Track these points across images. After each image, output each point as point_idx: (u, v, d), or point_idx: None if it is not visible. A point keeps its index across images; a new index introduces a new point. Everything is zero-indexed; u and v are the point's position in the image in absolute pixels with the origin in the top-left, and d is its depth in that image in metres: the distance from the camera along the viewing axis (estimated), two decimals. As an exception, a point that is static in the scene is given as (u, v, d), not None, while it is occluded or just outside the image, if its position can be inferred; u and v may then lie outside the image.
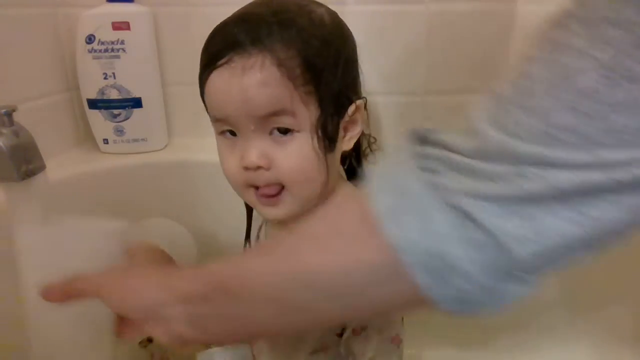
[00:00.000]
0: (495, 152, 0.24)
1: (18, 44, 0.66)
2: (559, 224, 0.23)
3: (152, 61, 0.75)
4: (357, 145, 0.51)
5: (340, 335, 0.48)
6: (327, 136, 0.44)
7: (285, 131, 0.43)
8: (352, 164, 0.56)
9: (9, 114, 0.46)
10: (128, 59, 0.72)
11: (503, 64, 0.68)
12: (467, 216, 0.25)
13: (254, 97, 0.41)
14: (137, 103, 0.75)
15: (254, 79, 0.40)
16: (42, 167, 0.49)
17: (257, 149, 0.43)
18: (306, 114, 0.43)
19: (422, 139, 0.30)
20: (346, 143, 0.48)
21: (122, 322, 0.39)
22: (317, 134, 0.43)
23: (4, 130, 0.45)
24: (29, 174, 0.47)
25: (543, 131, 0.22)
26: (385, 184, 0.28)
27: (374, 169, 0.30)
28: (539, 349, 0.75)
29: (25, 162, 0.46)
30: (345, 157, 0.52)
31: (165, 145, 0.80)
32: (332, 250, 0.28)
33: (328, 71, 0.43)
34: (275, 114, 0.42)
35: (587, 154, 0.22)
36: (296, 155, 0.43)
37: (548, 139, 0.22)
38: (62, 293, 0.37)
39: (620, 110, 0.21)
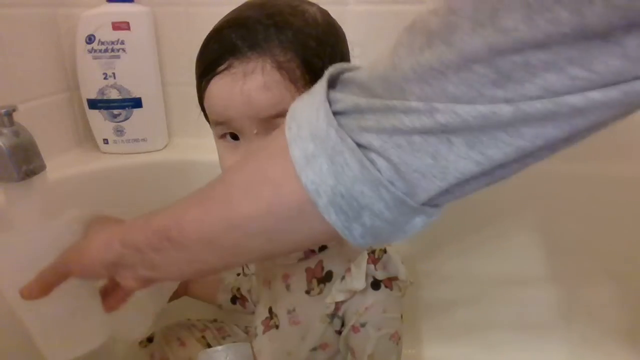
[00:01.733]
0: (410, 89, 0.25)
1: (18, 44, 0.66)
2: (462, 163, 0.25)
3: (152, 61, 0.75)
4: None
5: (340, 332, 0.48)
6: None
7: None
8: None
9: (9, 114, 0.46)
10: (128, 59, 0.72)
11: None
12: (377, 154, 0.27)
13: (256, 101, 0.41)
14: (137, 103, 0.75)
15: (256, 84, 0.41)
16: (42, 167, 0.49)
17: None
18: None
19: (336, 79, 0.31)
20: None
21: (105, 295, 0.44)
22: None
23: (4, 130, 0.45)
24: (29, 174, 0.47)
25: (461, 66, 0.23)
26: (300, 129, 0.29)
27: (291, 112, 0.31)
28: (539, 349, 0.75)
29: (25, 162, 0.46)
30: None
31: (165, 145, 0.80)
32: (257, 195, 0.31)
33: (326, 69, 0.43)
34: (278, 115, 0.42)
35: (500, 90, 0.22)
36: None
37: (465, 73, 0.23)
38: (40, 286, 0.40)
39: (536, 47, 0.21)
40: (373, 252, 0.44)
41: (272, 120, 0.42)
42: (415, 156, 0.26)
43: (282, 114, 0.42)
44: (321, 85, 0.30)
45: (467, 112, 0.23)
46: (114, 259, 0.37)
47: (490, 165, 0.25)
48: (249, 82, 0.41)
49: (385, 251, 0.44)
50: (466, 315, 0.78)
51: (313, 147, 0.28)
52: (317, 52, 0.43)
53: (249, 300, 0.65)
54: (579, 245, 0.70)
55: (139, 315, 0.53)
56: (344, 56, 0.47)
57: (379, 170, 0.27)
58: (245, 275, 0.67)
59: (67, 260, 0.40)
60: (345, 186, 0.27)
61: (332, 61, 0.44)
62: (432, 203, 0.28)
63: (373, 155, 0.27)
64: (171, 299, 0.63)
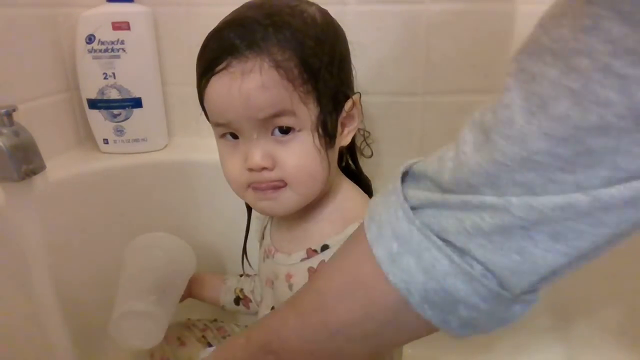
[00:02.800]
0: (480, 183, 0.26)
1: (18, 44, 0.66)
2: (550, 257, 0.25)
3: (152, 61, 0.75)
4: (352, 141, 0.51)
5: None
6: (327, 133, 0.45)
7: (286, 130, 0.43)
8: (347, 160, 0.56)
9: (9, 114, 0.46)
10: (128, 59, 0.72)
11: (503, 64, 0.68)
12: (462, 252, 0.27)
13: (255, 100, 0.41)
14: (137, 103, 0.75)
15: (254, 83, 0.41)
16: (42, 167, 0.49)
17: (261, 150, 0.43)
18: (306, 113, 0.43)
19: (410, 175, 0.32)
20: (344, 138, 0.48)
21: None
22: (317, 131, 0.44)
23: (4, 130, 0.45)
24: (29, 174, 0.47)
25: (524, 157, 0.24)
26: (381, 229, 0.30)
27: (369, 214, 0.32)
28: (539, 350, 0.75)
29: (25, 162, 0.46)
30: (341, 154, 0.52)
31: (165, 145, 0.80)
32: (351, 301, 0.31)
33: (325, 69, 0.44)
34: (277, 114, 0.42)
35: (569, 175, 0.23)
36: (299, 153, 0.44)
37: (529, 164, 0.24)
38: None
39: (594, 132, 0.22)
40: None
41: (271, 121, 0.43)
42: (501, 254, 0.26)
43: (280, 114, 0.42)
44: (395, 184, 0.31)
45: (543, 204, 0.24)
46: None
47: (579, 254, 0.25)
48: (247, 82, 0.41)
49: None
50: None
51: (397, 246, 0.28)
52: (315, 51, 0.43)
53: (252, 300, 0.65)
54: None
55: (154, 326, 0.54)
56: (343, 55, 0.47)
57: (469, 265, 0.27)
58: (248, 276, 0.67)
59: None
60: (437, 281, 0.27)
61: (332, 61, 0.45)
62: (530, 290, 0.28)
63: (459, 252, 0.27)
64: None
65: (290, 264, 0.49)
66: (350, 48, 0.50)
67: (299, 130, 0.43)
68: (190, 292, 0.67)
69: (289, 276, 0.49)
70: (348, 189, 0.52)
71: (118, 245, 0.62)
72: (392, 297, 0.28)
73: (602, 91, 0.21)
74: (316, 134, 0.44)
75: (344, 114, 0.47)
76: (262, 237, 0.57)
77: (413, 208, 0.29)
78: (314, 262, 0.47)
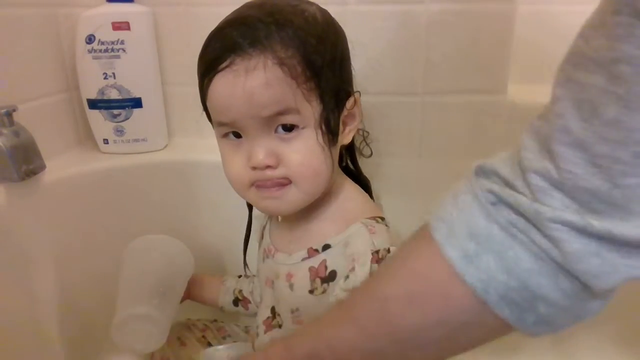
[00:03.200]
0: (554, 189, 0.26)
1: (18, 44, 0.66)
2: (630, 268, 0.26)
3: (152, 61, 0.75)
4: (352, 141, 0.52)
5: None
6: (330, 130, 0.45)
7: (290, 128, 0.43)
8: (347, 160, 0.57)
9: (9, 114, 0.46)
10: (128, 59, 0.72)
11: (503, 64, 0.68)
12: (546, 251, 0.27)
13: (259, 97, 0.41)
14: (137, 103, 0.75)
15: (258, 80, 0.41)
16: (42, 167, 0.49)
17: (264, 148, 0.43)
18: (310, 110, 0.43)
19: (480, 175, 0.31)
20: (346, 137, 0.49)
21: None
22: (321, 128, 0.44)
23: (4, 130, 0.45)
24: (29, 174, 0.47)
25: (589, 162, 0.25)
26: (453, 230, 0.29)
27: (437, 214, 0.31)
28: (539, 349, 0.75)
29: (25, 162, 0.47)
30: (341, 153, 0.52)
31: (165, 145, 0.80)
32: (423, 305, 0.30)
33: (327, 67, 0.44)
34: (280, 112, 0.42)
35: (632, 179, 0.24)
36: (303, 150, 0.44)
37: (595, 167, 0.25)
38: None
39: None
40: (377, 251, 0.44)
41: (275, 118, 0.43)
42: (581, 260, 0.26)
43: (284, 112, 0.42)
44: (467, 183, 0.31)
45: (622, 233, 0.24)
46: None
47: None
48: (250, 79, 0.41)
49: (389, 251, 0.45)
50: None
51: (474, 246, 0.28)
52: (317, 49, 0.43)
53: (251, 301, 0.65)
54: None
55: (156, 330, 0.54)
56: (344, 54, 0.48)
57: (553, 260, 0.27)
58: (247, 277, 0.67)
59: None
60: (518, 280, 0.27)
61: (333, 59, 0.45)
62: (612, 289, 0.28)
63: (541, 250, 0.27)
64: None
65: (291, 263, 0.49)
66: (350, 47, 0.50)
67: (303, 128, 0.44)
68: (189, 293, 0.66)
69: (289, 276, 0.49)
70: (349, 189, 0.52)
71: (118, 245, 0.62)
72: (468, 299, 0.28)
73: None
74: (319, 131, 0.44)
75: (345, 112, 0.47)
76: (262, 237, 0.57)
77: (489, 207, 0.29)
78: (315, 261, 0.47)
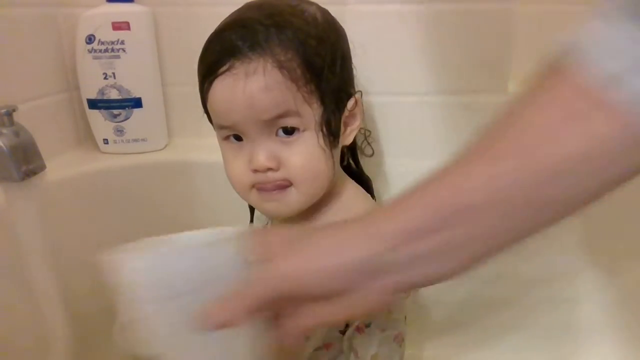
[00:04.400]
0: None
1: (18, 44, 0.66)
2: None
3: (152, 61, 0.75)
4: (353, 140, 0.51)
5: (343, 332, 0.48)
6: (331, 132, 0.45)
7: (291, 131, 0.43)
8: (349, 160, 0.56)
9: (9, 114, 0.46)
10: (128, 59, 0.72)
11: (504, 64, 0.68)
12: None
13: (259, 101, 0.41)
14: (137, 103, 0.75)
15: (258, 84, 0.41)
16: (42, 167, 0.49)
17: (265, 151, 0.43)
18: (310, 113, 0.43)
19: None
20: (347, 137, 0.48)
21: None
22: (322, 131, 0.44)
23: (4, 130, 0.45)
24: (29, 174, 0.47)
25: None
26: (594, 51, 0.26)
27: (569, 44, 0.27)
28: (539, 349, 0.75)
29: (25, 162, 0.47)
30: (342, 153, 0.52)
31: (165, 145, 0.80)
32: (562, 137, 0.26)
33: (327, 68, 0.44)
34: (281, 115, 0.42)
35: None
36: (304, 153, 0.44)
37: None
38: (232, 314, 0.29)
39: None
40: None
41: (276, 121, 0.42)
42: None
43: (284, 115, 0.42)
44: (602, 9, 0.27)
45: None
46: (372, 258, 0.28)
47: None
48: (250, 83, 0.41)
49: None
50: (466, 315, 0.78)
51: (626, 63, 0.25)
52: (317, 50, 0.43)
53: None
54: (581, 245, 0.70)
55: None
56: (345, 54, 0.48)
57: None
58: None
59: (274, 275, 0.29)
60: None
61: (334, 60, 0.45)
62: None
63: None
64: None
65: None
66: (351, 48, 0.50)
67: (304, 130, 0.44)
68: None
69: None
70: (351, 189, 0.52)
71: (118, 245, 0.62)
72: (618, 123, 0.25)
73: None
74: (320, 134, 0.44)
75: (346, 112, 0.47)
76: None
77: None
78: None
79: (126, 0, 0.72)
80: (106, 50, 0.71)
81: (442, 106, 0.70)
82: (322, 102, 0.44)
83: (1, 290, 0.55)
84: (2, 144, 0.45)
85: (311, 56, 0.42)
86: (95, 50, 0.71)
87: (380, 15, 0.67)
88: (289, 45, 0.41)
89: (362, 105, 0.50)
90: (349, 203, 0.50)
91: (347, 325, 0.48)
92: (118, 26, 0.71)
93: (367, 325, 0.46)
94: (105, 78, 0.73)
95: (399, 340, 0.48)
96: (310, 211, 0.49)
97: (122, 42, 0.71)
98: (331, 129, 0.45)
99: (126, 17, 0.71)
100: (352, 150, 0.56)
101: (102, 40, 0.71)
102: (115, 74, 0.73)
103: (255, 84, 0.41)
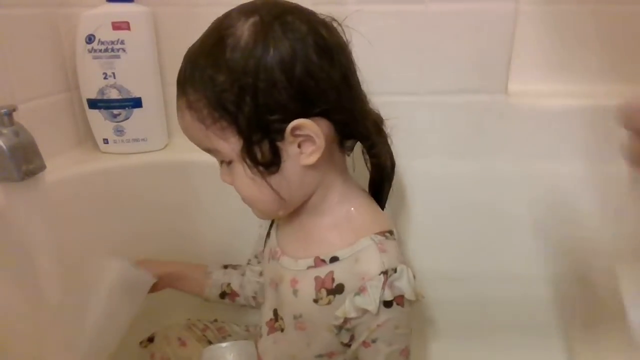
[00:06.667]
0: None
1: (18, 44, 0.66)
2: None
3: (152, 61, 0.75)
4: (375, 173, 0.53)
5: (347, 345, 0.48)
6: (258, 162, 0.43)
7: (229, 160, 0.45)
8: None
9: (9, 114, 0.46)
10: (128, 59, 0.72)
11: (503, 64, 0.68)
12: None
13: (189, 136, 0.46)
14: (137, 103, 0.75)
15: (181, 121, 0.46)
16: (42, 167, 0.49)
17: (222, 174, 0.48)
18: (227, 147, 0.44)
19: None
20: (308, 158, 0.44)
21: None
22: (245, 162, 0.44)
23: (4, 130, 0.45)
24: (29, 174, 0.47)
25: None
26: None
27: None
28: (539, 348, 0.75)
29: (25, 162, 0.46)
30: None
31: (165, 145, 0.80)
32: None
33: (242, 102, 0.41)
34: (206, 150, 0.46)
35: None
36: (238, 182, 0.46)
37: None
38: None
39: None
40: (386, 272, 0.43)
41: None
42: None
43: (207, 150, 0.46)
44: None
45: None
46: None
47: None
48: (179, 118, 0.46)
49: (395, 270, 0.44)
50: (466, 315, 0.78)
51: None
52: (228, 86, 0.41)
53: (240, 295, 0.64)
54: (580, 245, 0.70)
55: (112, 325, 0.53)
56: (271, 83, 0.41)
57: None
58: (234, 268, 0.66)
59: None
60: None
61: (254, 89, 0.40)
62: None
63: None
64: (152, 290, 0.61)
65: (297, 269, 0.49)
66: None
67: (232, 162, 0.45)
68: (170, 282, 0.64)
69: (294, 281, 0.49)
70: (358, 198, 0.50)
71: (118, 246, 0.62)
72: None
73: None
74: (245, 165, 0.44)
75: (290, 138, 0.43)
76: (267, 236, 0.57)
77: None
78: (322, 272, 0.46)
79: (126, 0, 0.72)
80: (106, 50, 0.71)
81: (442, 106, 0.71)
82: (241, 135, 0.42)
83: (1, 290, 0.55)
84: (2, 144, 0.45)
85: (219, 93, 0.41)
86: (95, 50, 0.71)
87: (380, 15, 0.68)
88: (197, 86, 0.43)
89: (320, 127, 0.43)
90: (355, 212, 0.49)
91: (351, 340, 0.47)
92: (118, 26, 0.71)
93: (374, 341, 0.45)
94: (105, 78, 0.73)
95: (406, 354, 0.47)
96: (313, 214, 0.49)
97: (122, 42, 0.71)
98: (256, 159, 0.43)
99: (126, 17, 0.71)
100: (374, 185, 0.53)
101: (102, 40, 0.71)
102: (115, 74, 0.73)
103: (180, 120, 0.46)
